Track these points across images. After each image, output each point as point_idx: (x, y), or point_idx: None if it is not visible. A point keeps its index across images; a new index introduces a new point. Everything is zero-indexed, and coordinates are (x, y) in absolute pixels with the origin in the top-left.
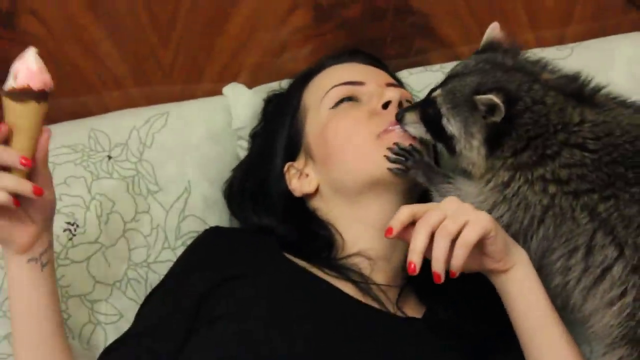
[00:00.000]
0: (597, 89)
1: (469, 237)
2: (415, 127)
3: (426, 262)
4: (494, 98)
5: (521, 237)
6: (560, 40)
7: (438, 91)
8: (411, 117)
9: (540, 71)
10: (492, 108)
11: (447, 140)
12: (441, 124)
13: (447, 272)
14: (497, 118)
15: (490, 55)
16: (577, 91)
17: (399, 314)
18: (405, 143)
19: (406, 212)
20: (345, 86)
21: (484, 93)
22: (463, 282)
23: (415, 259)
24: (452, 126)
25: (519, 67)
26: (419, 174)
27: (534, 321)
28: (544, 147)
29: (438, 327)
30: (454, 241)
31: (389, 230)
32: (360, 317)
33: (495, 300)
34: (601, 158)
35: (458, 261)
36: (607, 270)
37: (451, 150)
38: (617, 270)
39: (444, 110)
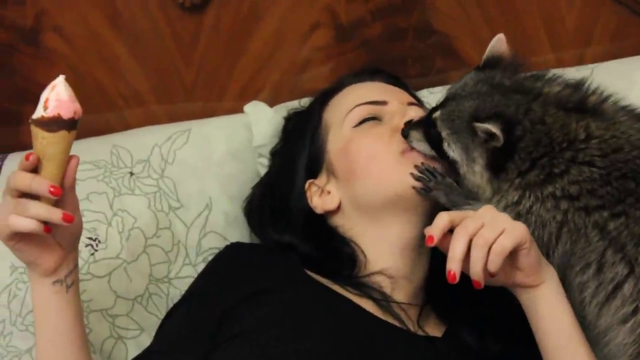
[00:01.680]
0: (603, 99)
1: (505, 244)
2: (421, 145)
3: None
4: (491, 128)
5: (543, 254)
6: (580, 61)
7: (437, 113)
8: (415, 135)
9: (540, 87)
10: (491, 136)
11: (450, 162)
12: (442, 148)
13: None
14: (497, 144)
15: (489, 75)
16: (580, 103)
17: (419, 332)
18: (430, 164)
19: (445, 219)
20: (369, 106)
21: (483, 119)
22: (484, 301)
23: (454, 267)
24: (453, 151)
25: (517, 87)
26: (441, 194)
27: (560, 339)
28: (551, 166)
29: (458, 346)
30: (490, 249)
31: (429, 239)
32: (381, 335)
33: (516, 319)
34: (610, 173)
35: (494, 267)
36: (618, 287)
37: (455, 172)
38: (628, 287)
39: (444, 134)
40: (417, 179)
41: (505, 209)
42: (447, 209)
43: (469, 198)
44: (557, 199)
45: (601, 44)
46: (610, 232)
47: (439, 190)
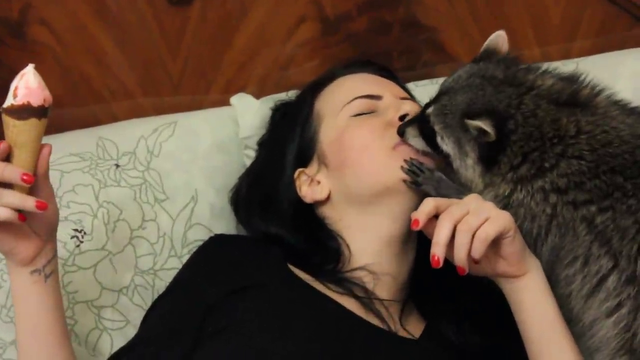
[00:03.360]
0: (596, 93)
1: (488, 231)
2: (417, 142)
3: (429, 272)
4: (482, 126)
5: (532, 248)
6: (566, 55)
7: (431, 108)
8: (411, 131)
9: (533, 79)
10: (483, 132)
11: (444, 157)
12: (436, 142)
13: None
14: (489, 139)
15: (482, 67)
16: (572, 96)
17: (400, 331)
18: (420, 159)
19: (431, 204)
20: (366, 100)
21: (474, 115)
22: (466, 296)
23: (438, 252)
24: (446, 145)
25: (510, 80)
26: (430, 189)
27: (543, 330)
28: (542, 160)
29: (440, 343)
30: (474, 236)
31: (415, 222)
32: (361, 335)
33: (497, 314)
34: (599, 166)
35: (477, 253)
36: (602, 280)
37: (449, 166)
38: (612, 280)
39: (437, 128)
40: (407, 172)
41: (494, 199)
42: None
43: (459, 192)
44: (546, 192)
45: (587, 38)
46: (597, 226)
47: (428, 185)
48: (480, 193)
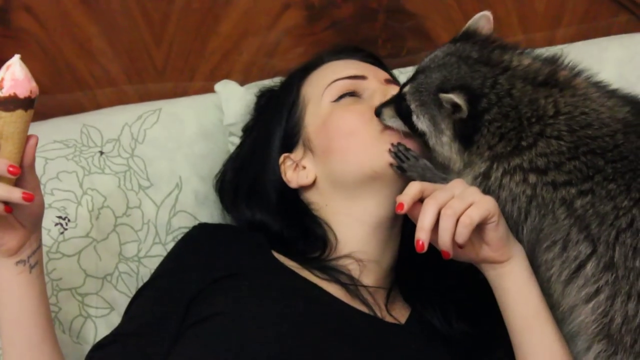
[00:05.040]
0: (575, 74)
1: (472, 216)
2: (394, 122)
3: (414, 259)
4: (454, 98)
5: (513, 231)
6: (551, 42)
7: (407, 87)
8: (388, 112)
9: (509, 59)
10: (456, 107)
11: (421, 135)
12: (412, 121)
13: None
14: (462, 115)
15: (459, 47)
16: (550, 77)
17: (387, 317)
18: (407, 143)
19: (417, 187)
20: (348, 80)
21: (448, 90)
22: (450, 283)
23: (423, 236)
24: (421, 123)
25: (485, 60)
26: (415, 176)
27: (527, 316)
28: (519, 139)
29: (425, 329)
30: (458, 220)
31: (399, 206)
32: (348, 321)
33: (481, 300)
34: (578, 147)
35: (461, 238)
36: (581, 266)
37: (426, 145)
38: (590, 267)
39: (413, 107)
40: (393, 157)
41: (474, 180)
42: None
43: (444, 180)
44: (525, 172)
45: (571, 25)
46: (576, 210)
47: (413, 171)
48: (460, 172)
